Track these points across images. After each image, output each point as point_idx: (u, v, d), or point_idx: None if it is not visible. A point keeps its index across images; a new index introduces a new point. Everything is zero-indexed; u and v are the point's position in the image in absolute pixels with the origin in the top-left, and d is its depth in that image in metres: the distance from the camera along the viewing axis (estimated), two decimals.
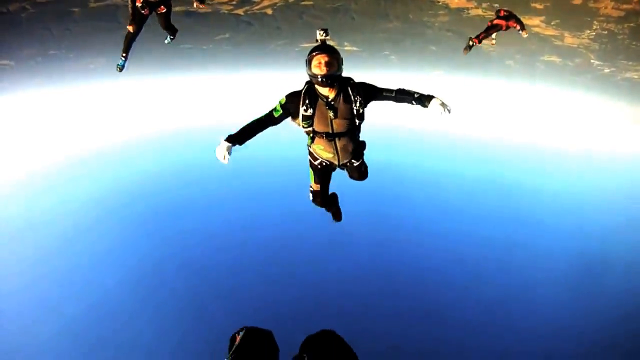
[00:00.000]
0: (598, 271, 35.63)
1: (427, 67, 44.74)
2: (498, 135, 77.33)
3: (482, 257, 38.74)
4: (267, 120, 4.55)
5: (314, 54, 4.27)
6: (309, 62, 4.32)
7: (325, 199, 5.74)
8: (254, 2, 23.41)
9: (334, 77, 4.29)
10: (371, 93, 4.61)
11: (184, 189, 51.28)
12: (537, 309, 32.94)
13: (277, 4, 23.76)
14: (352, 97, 4.51)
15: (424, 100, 4.60)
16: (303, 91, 4.49)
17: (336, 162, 5.01)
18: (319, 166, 5.21)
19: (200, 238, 40.59)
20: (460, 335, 30.31)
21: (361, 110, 4.59)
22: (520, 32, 12.47)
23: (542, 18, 24.39)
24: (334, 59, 4.27)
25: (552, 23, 25.12)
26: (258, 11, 24.92)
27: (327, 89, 4.39)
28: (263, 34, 29.70)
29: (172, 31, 10.16)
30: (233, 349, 1.84)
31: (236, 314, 30.53)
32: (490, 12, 24.12)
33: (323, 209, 6.11)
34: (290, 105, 4.51)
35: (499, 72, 42.92)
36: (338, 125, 4.61)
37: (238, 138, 4.48)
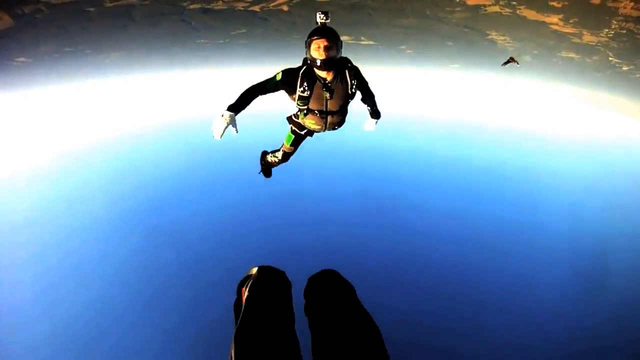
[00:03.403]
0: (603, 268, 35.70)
1: (444, 61, 44.44)
2: (513, 127, 76.97)
3: (481, 252, 38.92)
4: (261, 90, 4.53)
5: (314, 38, 4.24)
6: (308, 45, 4.31)
7: (287, 160, 5.89)
8: None
9: (332, 62, 4.30)
10: (360, 87, 4.79)
11: (194, 181, 51.74)
12: (537, 304, 33.00)
13: (293, 1, 23.71)
14: (348, 79, 4.60)
15: (374, 114, 5.42)
16: (301, 72, 4.48)
17: (322, 131, 5.13)
18: (303, 133, 5.40)
19: (196, 233, 40.92)
20: (456, 330, 30.50)
21: (354, 91, 4.71)
22: (516, 64, 20.65)
23: (561, 16, 24.09)
24: (333, 43, 4.24)
25: (570, 21, 24.81)
26: (274, 8, 24.89)
27: (325, 72, 4.42)
28: (279, 28, 29.70)
29: None
30: (248, 285, 1.90)
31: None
32: (507, 9, 23.94)
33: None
34: (286, 83, 4.53)
35: (516, 67, 42.49)
36: (332, 104, 4.70)
37: (239, 106, 4.49)
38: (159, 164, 56.25)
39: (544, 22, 25.64)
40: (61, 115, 74.52)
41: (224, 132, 4.42)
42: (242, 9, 24.80)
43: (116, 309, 31.99)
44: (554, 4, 22.26)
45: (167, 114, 79.52)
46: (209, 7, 24.11)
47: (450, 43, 33.97)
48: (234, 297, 1.95)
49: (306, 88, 4.49)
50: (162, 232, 40.67)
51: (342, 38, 4.24)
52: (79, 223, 41.72)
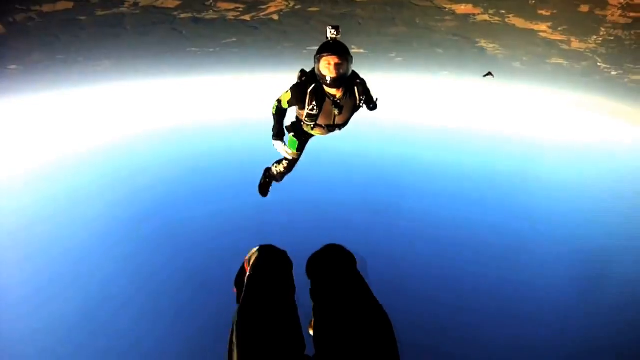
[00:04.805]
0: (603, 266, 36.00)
1: (434, 68, 44.64)
2: (503, 133, 77.34)
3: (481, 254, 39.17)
4: (284, 112, 4.68)
5: (324, 54, 4.09)
6: (317, 60, 4.16)
7: (291, 170, 5.76)
8: (260, 8, 23.41)
9: (343, 80, 4.17)
10: (367, 100, 4.68)
11: (191, 184, 51.74)
12: (537, 306, 33.21)
13: (284, 10, 23.72)
14: (357, 94, 4.52)
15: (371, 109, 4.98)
16: (310, 90, 4.35)
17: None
18: (306, 138, 5.28)
19: (194, 235, 40.97)
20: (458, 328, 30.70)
21: (361, 106, 4.68)
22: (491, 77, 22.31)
23: (549, 24, 24.26)
24: (344, 60, 4.10)
25: (559, 28, 25.00)
26: (265, 17, 24.92)
27: (335, 89, 4.31)
28: (270, 37, 29.71)
29: None
30: (250, 265, 1.90)
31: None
32: (496, 18, 24.08)
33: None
34: (295, 101, 4.51)
35: (506, 74, 42.77)
36: (340, 119, 4.67)
37: (281, 134, 4.78)
38: (150, 169, 56.12)
39: (532, 30, 25.80)
40: (53, 121, 74.43)
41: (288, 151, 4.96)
42: (232, 18, 24.79)
43: (119, 306, 32.15)
44: (543, 12, 22.41)
45: (158, 121, 79.35)
46: (199, 16, 24.11)
47: (440, 51, 34.08)
48: (233, 293, 1.95)
49: (315, 106, 4.40)
50: (158, 234, 40.71)
51: None
52: (68, 230, 41.58)
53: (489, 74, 22.49)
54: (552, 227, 43.90)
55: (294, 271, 1.96)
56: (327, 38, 4.20)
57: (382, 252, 37.49)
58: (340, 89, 4.35)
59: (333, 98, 4.40)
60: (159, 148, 65.55)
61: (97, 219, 43.46)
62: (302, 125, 4.96)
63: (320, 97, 4.37)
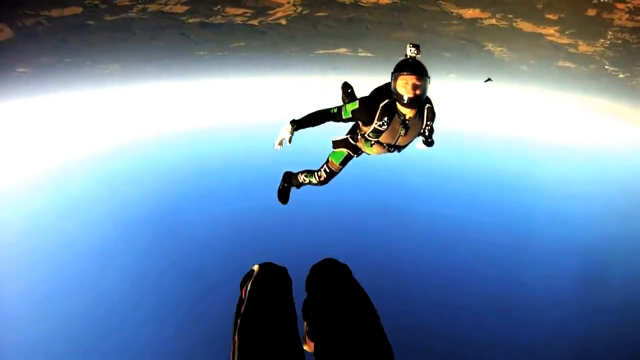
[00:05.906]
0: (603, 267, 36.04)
1: (441, 71, 44.63)
2: (510, 136, 77.15)
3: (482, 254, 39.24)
4: (334, 118, 4.45)
5: (403, 72, 4.03)
6: (395, 78, 4.10)
7: (327, 182, 5.43)
8: (268, 13, 23.50)
9: (419, 101, 4.11)
10: (430, 129, 4.65)
11: (198, 188, 51.81)
12: (538, 306, 33.23)
13: (291, 15, 23.81)
14: (425, 118, 4.48)
15: (428, 144, 4.96)
16: (382, 105, 4.24)
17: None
18: (355, 155, 5.09)
19: (197, 238, 41.08)
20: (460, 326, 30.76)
21: (422, 132, 4.60)
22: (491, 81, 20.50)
23: (557, 28, 24.24)
24: (423, 82, 4.05)
25: (566, 32, 24.97)
26: (272, 22, 25.00)
27: (410, 109, 4.24)
28: (277, 42, 29.80)
29: None
30: (250, 281, 1.91)
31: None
32: (504, 22, 24.10)
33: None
34: (363, 114, 4.36)
35: (513, 77, 42.71)
36: (403, 140, 4.56)
37: (302, 124, 4.42)
38: (158, 173, 56.26)
39: (540, 34, 25.78)
40: (61, 124, 74.73)
41: (281, 142, 4.46)
42: (240, 22, 24.90)
43: (123, 309, 32.31)
44: (550, 16, 22.41)
45: (166, 124, 79.47)
46: (207, 21, 24.23)
47: (447, 54, 34.05)
48: (238, 295, 2.00)
49: (385, 122, 4.30)
50: (161, 237, 40.86)
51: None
52: (77, 230, 41.85)
53: (489, 79, 22.75)
54: (558, 229, 43.89)
55: (295, 285, 2.01)
56: (406, 55, 4.17)
57: (383, 254, 37.60)
58: (414, 110, 4.30)
59: (403, 117, 4.33)
60: (167, 151, 65.70)
61: (104, 222, 43.72)
62: (358, 140, 4.84)
63: (390, 113, 4.29)
